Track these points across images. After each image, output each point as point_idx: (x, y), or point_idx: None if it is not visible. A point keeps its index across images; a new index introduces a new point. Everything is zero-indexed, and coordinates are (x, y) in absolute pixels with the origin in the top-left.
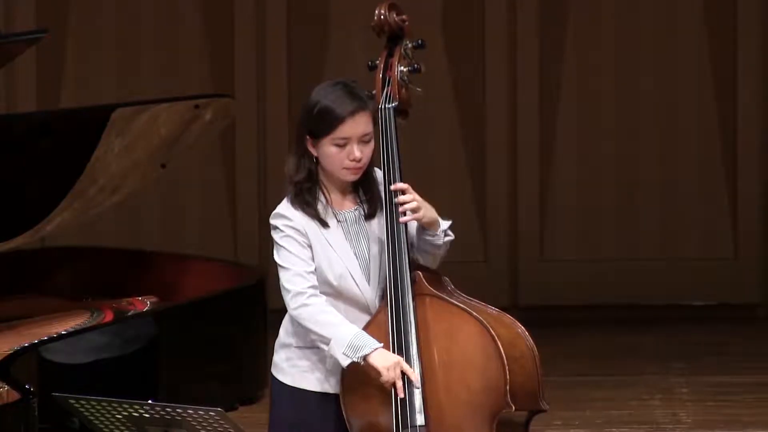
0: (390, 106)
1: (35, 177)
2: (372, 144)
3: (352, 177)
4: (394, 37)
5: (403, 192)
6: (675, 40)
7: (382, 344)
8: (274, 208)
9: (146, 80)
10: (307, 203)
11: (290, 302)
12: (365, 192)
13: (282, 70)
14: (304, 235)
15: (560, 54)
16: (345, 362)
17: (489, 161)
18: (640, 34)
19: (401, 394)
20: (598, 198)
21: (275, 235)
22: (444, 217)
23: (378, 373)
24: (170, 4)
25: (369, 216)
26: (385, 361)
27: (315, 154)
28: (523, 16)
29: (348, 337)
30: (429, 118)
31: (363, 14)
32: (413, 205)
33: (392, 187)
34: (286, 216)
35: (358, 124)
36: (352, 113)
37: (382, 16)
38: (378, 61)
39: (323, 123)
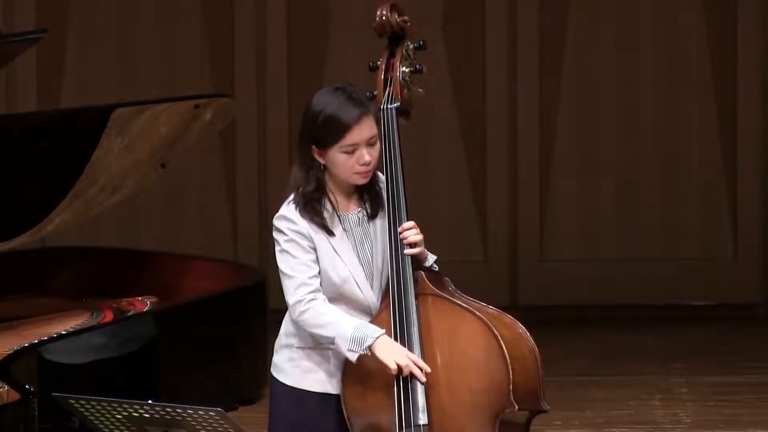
0: (392, 106)
1: (35, 177)
2: (378, 145)
3: (363, 180)
4: (395, 37)
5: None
6: (675, 39)
7: (383, 330)
8: (274, 209)
9: (146, 80)
10: (315, 212)
11: (291, 311)
12: (368, 192)
13: (282, 70)
14: (309, 239)
15: (560, 54)
16: (353, 357)
17: (489, 161)
18: (640, 34)
19: (423, 379)
20: (598, 198)
21: (279, 238)
22: (442, 218)
23: (386, 366)
24: (170, 5)
25: (372, 216)
26: (391, 354)
27: (322, 162)
28: (523, 16)
29: (349, 332)
30: (429, 118)
31: (363, 14)
32: (418, 239)
33: (400, 229)
34: (291, 219)
35: (364, 129)
36: (358, 119)
37: (383, 17)
38: (379, 62)
39: (329, 132)
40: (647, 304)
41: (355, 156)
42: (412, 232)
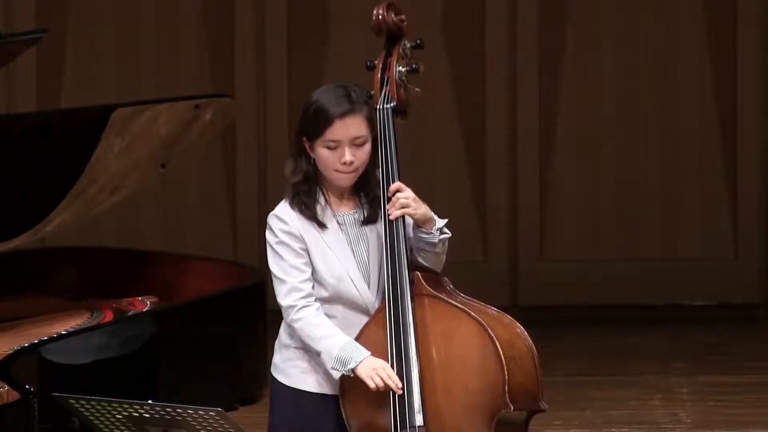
0: (388, 106)
1: (35, 177)
2: (367, 147)
3: (345, 182)
4: (392, 37)
5: (398, 191)
6: (675, 40)
7: (369, 353)
8: (274, 208)
9: (146, 80)
10: (305, 205)
11: (284, 314)
12: (366, 194)
13: (282, 70)
14: (300, 239)
15: (560, 54)
16: (336, 375)
17: (489, 161)
18: (640, 34)
19: (398, 392)
20: (598, 198)
21: (270, 238)
22: (442, 217)
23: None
24: (170, 5)
25: (368, 218)
26: (368, 371)
27: (312, 155)
28: (523, 16)
29: (335, 351)
30: (429, 118)
31: (363, 14)
32: (403, 201)
33: (389, 193)
34: (283, 219)
35: (348, 127)
36: (342, 116)
37: (380, 16)
38: (376, 62)
39: (315, 124)
40: (647, 304)
41: (337, 153)
42: (400, 195)
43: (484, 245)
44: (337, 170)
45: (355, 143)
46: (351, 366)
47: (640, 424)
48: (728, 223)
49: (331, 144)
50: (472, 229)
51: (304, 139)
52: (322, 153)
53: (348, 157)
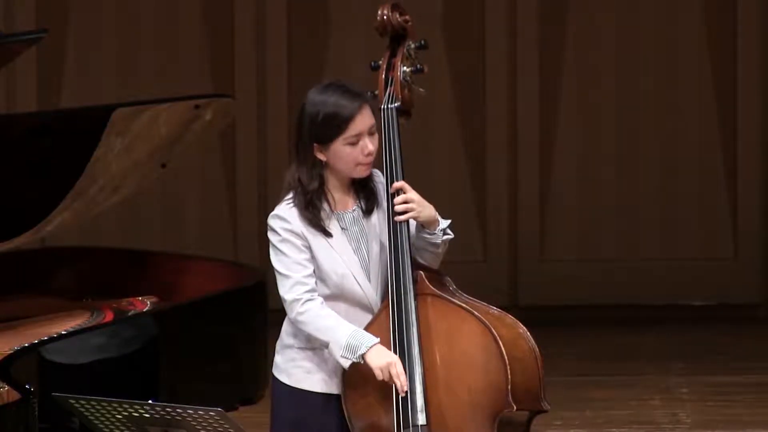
0: (393, 106)
1: (35, 177)
2: (377, 135)
3: (365, 172)
4: (396, 37)
5: (400, 190)
6: (675, 40)
7: (378, 339)
8: (274, 209)
9: (146, 80)
10: (315, 212)
11: (288, 309)
12: (362, 189)
13: (282, 70)
14: (303, 237)
15: (560, 54)
16: (345, 364)
17: (489, 161)
18: (640, 34)
19: (402, 393)
20: (598, 198)
21: (272, 238)
22: (443, 216)
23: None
24: (170, 4)
25: (367, 212)
26: (379, 361)
27: (324, 159)
28: (523, 16)
29: (344, 339)
30: (429, 118)
31: (363, 14)
32: (408, 205)
33: (391, 189)
34: (285, 218)
35: (366, 118)
36: (359, 108)
37: (385, 17)
38: (381, 62)
39: (332, 127)
40: (647, 304)
41: (359, 146)
42: (402, 197)
43: (484, 245)
44: (359, 163)
45: (371, 132)
46: (361, 351)
47: (640, 424)
48: (728, 223)
49: (353, 139)
50: (472, 229)
51: (315, 145)
52: (344, 150)
53: (371, 146)
